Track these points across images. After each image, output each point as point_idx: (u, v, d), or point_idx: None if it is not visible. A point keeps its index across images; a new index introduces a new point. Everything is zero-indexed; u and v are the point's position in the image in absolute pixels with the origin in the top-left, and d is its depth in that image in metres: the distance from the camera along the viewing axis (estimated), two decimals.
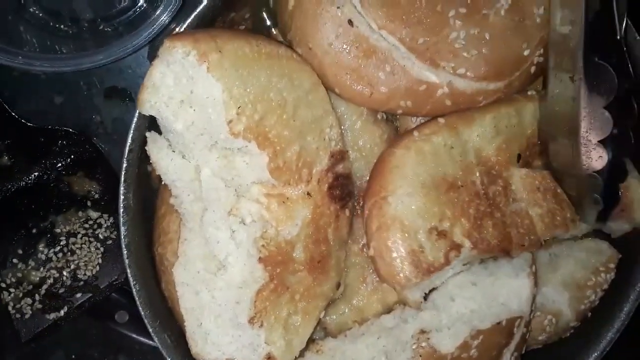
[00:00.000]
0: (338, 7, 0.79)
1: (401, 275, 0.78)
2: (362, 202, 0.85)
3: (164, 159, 0.78)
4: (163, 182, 0.82)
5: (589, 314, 0.96)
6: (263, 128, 0.77)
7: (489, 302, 0.84)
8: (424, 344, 0.82)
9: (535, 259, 0.88)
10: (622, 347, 0.93)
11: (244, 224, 0.79)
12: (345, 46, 0.80)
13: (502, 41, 0.81)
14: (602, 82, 0.73)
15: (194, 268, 0.79)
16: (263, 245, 0.78)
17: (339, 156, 0.84)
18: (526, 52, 0.82)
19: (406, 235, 0.78)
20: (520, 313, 0.84)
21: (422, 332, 0.83)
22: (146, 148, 0.79)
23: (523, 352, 0.91)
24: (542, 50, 0.83)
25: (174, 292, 0.81)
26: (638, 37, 0.85)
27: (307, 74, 0.82)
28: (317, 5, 0.80)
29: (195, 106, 0.74)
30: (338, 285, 0.86)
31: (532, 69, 0.84)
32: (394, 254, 0.78)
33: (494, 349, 0.83)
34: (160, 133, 0.80)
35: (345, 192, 0.85)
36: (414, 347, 0.82)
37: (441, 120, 0.83)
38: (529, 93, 0.89)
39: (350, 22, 0.79)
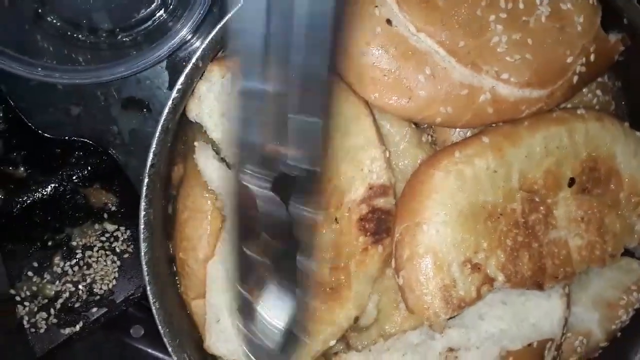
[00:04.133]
0: (376, 7, 0.77)
1: (430, 311, 0.76)
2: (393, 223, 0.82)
3: (209, 166, 0.82)
4: (183, 188, 0.85)
5: (619, 333, 0.93)
6: None
7: (519, 322, 0.81)
8: None
9: None
10: None
11: None
12: (383, 46, 0.77)
13: (544, 47, 0.79)
14: None
15: (226, 267, 0.80)
16: None
17: (380, 190, 0.80)
18: (569, 60, 0.80)
19: (439, 268, 0.75)
20: (551, 335, 0.82)
21: (450, 350, 0.81)
22: (194, 156, 0.83)
23: None
24: (584, 60, 0.81)
25: (192, 296, 0.84)
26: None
27: (352, 102, 0.80)
28: (354, 4, 0.77)
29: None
30: (356, 319, 0.83)
31: (575, 78, 0.82)
32: (425, 289, 0.75)
33: None
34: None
35: (382, 227, 0.80)
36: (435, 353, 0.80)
37: (485, 139, 0.79)
38: (579, 112, 0.85)
39: (388, 22, 0.77)
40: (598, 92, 0.93)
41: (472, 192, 0.77)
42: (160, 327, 0.81)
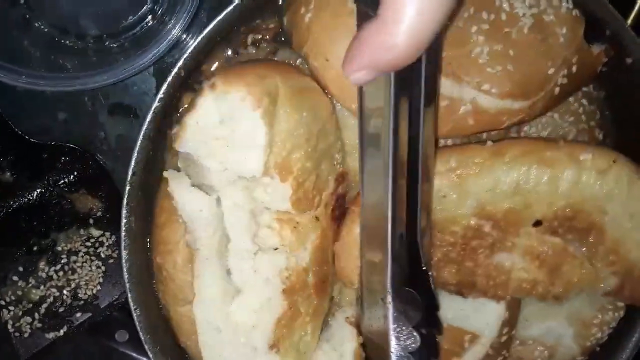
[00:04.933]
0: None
1: (348, 279, 0.84)
2: None
3: (188, 197, 0.77)
4: (161, 192, 0.82)
5: (597, 348, 0.93)
6: (289, 162, 0.77)
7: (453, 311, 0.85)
8: None
9: None
10: None
11: (265, 253, 0.79)
12: None
13: (526, 58, 0.79)
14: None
15: (213, 305, 0.79)
16: (287, 277, 0.78)
17: (341, 178, 0.84)
18: (551, 71, 0.80)
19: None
20: (476, 331, 0.84)
21: None
22: (168, 189, 0.78)
23: None
24: (566, 71, 0.81)
25: (170, 301, 0.83)
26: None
27: (326, 103, 0.81)
28: (334, 16, 0.78)
29: (231, 144, 0.75)
30: (332, 298, 0.88)
31: (556, 89, 0.82)
32: (347, 263, 0.83)
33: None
34: (160, 163, 0.81)
35: (342, 211, 0.85)
36: None
37: (453, 163, 0.78)
38: (583, 156, 0.78)
39: None
40: (584, 101, 0.93)
41: None
42: (141, 333, 0.81)
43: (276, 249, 0.79)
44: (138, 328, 0.81)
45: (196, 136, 0.74)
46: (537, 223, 0.80)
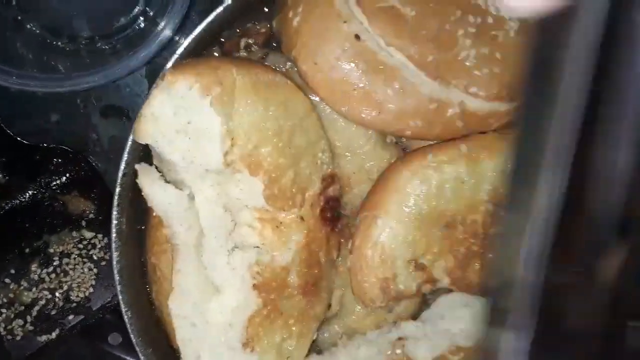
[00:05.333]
0: (345, 22, 0.78)
1: (367, 296, 0.80)
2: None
3: (156, 191, 0.77)
4: None
5: None
6: (257, 157, 0.77)
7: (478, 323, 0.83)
8: (398, 351, 0.82)
9: None
10: None
11: (240, 249, 0.78)
12: (352, 61, 0.78)
13: (513, 61, 0.79)
14: None
15: (189, 299, 0.78)
16: (258, 272, 0.78)
17: (330, 179, 0.84)
18: None
19: (383, 261, 0.78)
20: None
21: (400, 339, 0.83)
22: (137, 180, 0.78)
23: None
24: None
25: (163, 302, 0.82)
26: None
27: (302, 100, 0.81)
28: (323, 20, 0.79)
29: (192, 136, 0.74)
30: (329, 306, 0.87)
31: None
32: (366, 277, 0.79)
33: None
34: (150, 163, 0.80)
35: (335, 214, 0.85)
36: (388, 353, 0.81)
37: (463, 147, 0.79)
38: None
39: (357, 37, 0.78)
40: None
41: (434, 198, 0.78)
42: (132, 336, 0.82)
43: (257, 247, 0.78)
44: (129, 330, 0.81)
45: (154, 128, 0.73)
46: None
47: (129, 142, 0.79)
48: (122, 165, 0.79)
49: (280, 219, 0.80)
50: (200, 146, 0.74)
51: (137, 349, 0.82)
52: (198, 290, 0.79)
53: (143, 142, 0.74)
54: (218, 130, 0.73)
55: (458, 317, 0.83)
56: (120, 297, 0.81)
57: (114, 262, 0.80)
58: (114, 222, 0.79)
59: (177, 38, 1.01)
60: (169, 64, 0.78)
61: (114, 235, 0.80)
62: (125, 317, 0.81)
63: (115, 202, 0.79)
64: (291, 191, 0.80)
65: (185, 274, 0.78)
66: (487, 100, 0.79)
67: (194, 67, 0.74)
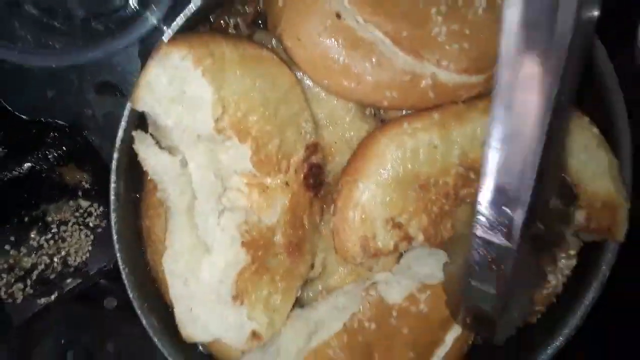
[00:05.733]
0: (326, 1, 0.84)
1: (349, 253, 0.86)
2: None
3: (151, 156, 0.83)
4: None
5: (554, 299, 1.01)
6: (246, 124, 0.83)
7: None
8: (372, 292, 0.89)
9: None
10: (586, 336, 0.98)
11: (229, 211, 0.84)
12: (333, 38, 0.84)
13: (481, 37, 0.85)
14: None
15: (182, 258, 0.84)
16: (246, 231, 0.84)
17: (313, 148, 0.90)
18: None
19: (363, 221, 0.85)
20: None
21: (372, 283, 0.91)
22: (133, 146, 0.84)
23: None
24: None
25: (157, 262, 0.87)
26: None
27: (287, 74, 0.87)
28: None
29: (185, 104, 0.80)
30: (312, 266, 0.93)
31: None
32: (348, 236, 0.86)
33: (444, 310, 0.88)
34: (146, 131, 0.85)
35: (318, 180, 0.91)
36: (363, 294, 0.89)
37: (436, 115, 0.86)
38: None
39: (338, 15, 0.84)
40: None
41: (409, 162, 0.85)
42: (129, 290, 0.87)
43: (237, 208, 0.84)
44: (127, 286, 0.87)
45: (150, 96, 0.79)
46: None
47: (126, 111, 0.85)
48: (120, 132, 0.85)
49: (266, 184, 0.86)
50: (193, 113, 0.80)
51: (134, 303, 0.88)
52: (190, 249, 0.85)
53: (140, 110, 0.80)
54: (209, 98, 0.79)
55: (423, 264, 0.91)
56: (118, 255, 0.87)
57: (112, 223, 0.86)
58: (112, 185, 0.85)
59: (167, 20, 1.06)
60: (164, 39, 0.83)
61: (112, 197, 0.85)
62: (123, 273, 0.87)
63: (114, 166, 0.85)
64: (277, 157, 0.86)
65: (178, 235, 0.84)
66: (457, 73, 0.86)
67: (187, 40, 0.80)
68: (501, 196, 0.64)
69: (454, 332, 0.93)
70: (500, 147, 0.62)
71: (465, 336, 0.94)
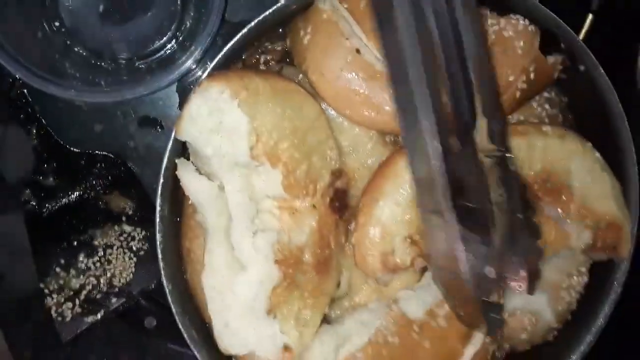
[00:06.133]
0: (347, 39, 0.92)
1: (370, 267, 0.92)
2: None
3: (192, 181, 0.91)
4: None
5: (569, 316, 1.04)
6: (277, 151, 0.90)
7: None
8: (394, 308, 0.94)
9: None
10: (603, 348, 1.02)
11: (262, 232, 0.91)
12: (354, 72, 0.92)
13: None
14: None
15: (219, 274, 0.90)
16: (278, 250, 0.91)
17: (338, 173, 0.97)
18: (511, 78, 0.94)
19: (383, 238, 0.91)
20: None
21: (394, 300, 0.96)
22: (177, 172, 0.92)
23: (507, 348, 1.02)
24: (525, 78, 0.95)
25: (196, 280, 0.93)
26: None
27: (313, 105, 0.95)
28: (328, 38, 0.93)
29: (223, 134, 0.88)
30: (338, 284, 0.98)
31: (517, 93, 0.95)
32: (368, 252, 0.92)
33: (461, 325, 0.92)
34: (187, 159, 0.93)
35: (343, 204, 0.97)
36: (387, 311, 0.94)
37: None
38: (544, 128, 0.96)
39: (357, 51, 0.92)
40: (546, 106, 1.07)
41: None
42: (172, 306, 0.93)
43: (270, 229, 0.90)
44: (170, 300, 0.94)
45: (192, 127, 0.87)
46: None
47: (170, 142, 0.93)
48: (165, 161, 0.93)
49: (296, 206, 0.92)
50: (231, 142, 0.88)
51: (177, 318, 0.94)
52: (226, 267, 0.91)
53: (183, 140, 0.88)
54: (245, 128, 0.87)
55: None
56: (162, 272, 0.94)
57: (158, 243, 0.93)
58: (158, 208, 0.93)
59: (205, 57, 1.15)
60: (203, 75, 0.92)
61: (157, 220, 0.93)
62: (167, 289, 0.94)
63: (159, 191, 0.93)
64: (305, 182, 0.93)
65: (216, 254, 0.91)
66: None
67: (224, 75, 0.89)
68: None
69: (473, 347, 0.97)
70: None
71: (485, 351, 0.99)
